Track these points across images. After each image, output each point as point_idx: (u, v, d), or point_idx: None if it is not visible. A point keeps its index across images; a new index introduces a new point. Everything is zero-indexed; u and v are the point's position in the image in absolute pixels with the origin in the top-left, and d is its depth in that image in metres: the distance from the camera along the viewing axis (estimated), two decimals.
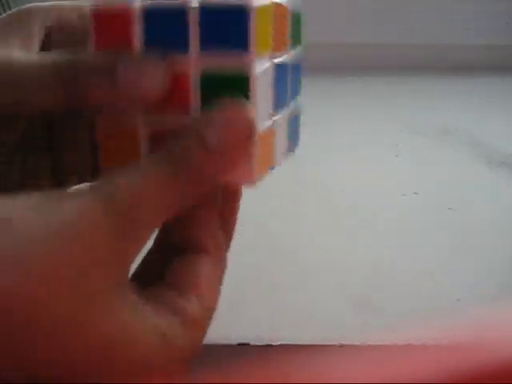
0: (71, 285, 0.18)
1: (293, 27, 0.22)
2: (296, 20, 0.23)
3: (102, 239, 0.19)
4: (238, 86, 0.19)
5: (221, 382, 0.18)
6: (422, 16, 0.76)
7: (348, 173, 0.56)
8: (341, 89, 0.73)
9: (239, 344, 0.38)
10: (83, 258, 0.18)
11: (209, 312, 0.23)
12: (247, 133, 0.19)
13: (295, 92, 0.23)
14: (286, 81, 0.22)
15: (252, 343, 0.38)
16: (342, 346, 0.37)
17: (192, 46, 0.19)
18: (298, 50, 0.23)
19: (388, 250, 0.45)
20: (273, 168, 0.21)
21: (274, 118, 0.21)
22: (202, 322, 0.22)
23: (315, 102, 0.71)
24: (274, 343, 0.38)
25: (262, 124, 0.19)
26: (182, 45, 0.19)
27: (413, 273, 0.43)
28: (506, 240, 0.46)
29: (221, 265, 0.24)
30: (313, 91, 0.73)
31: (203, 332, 0.22)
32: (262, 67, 0.19)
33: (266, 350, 0.38)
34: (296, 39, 0.23)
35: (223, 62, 0.19)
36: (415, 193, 0.52)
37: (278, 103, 0.21)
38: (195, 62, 0.19)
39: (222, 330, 0.40)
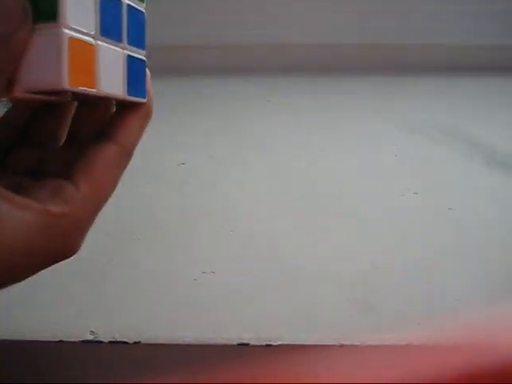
0: None
1: None
2: None
3: None
4: None
5: (221, 382, 0.19)
6: (422, 16, 0.76)
7: (347, 173, 0.56)
8: (341, 89, 0.73)
9: (239, 344, 0.38)
10: None
11: (97, 198, 0.23)
12: (19, 17, 0.20)
13: (136, 41, 0.25)
14: (118, 16, 0.24)
15: (252, 343, 0.38)
16: (342, 345, 0.37)
17: None
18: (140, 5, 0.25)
19: (387, 250, 0.45)
20: (95, 90, 0.22)
21: (98, 41, 0.23)
22: (85, 205, 0.23)
23: (315, 102, 0.72)
24: (273, 343, 0.38)
25: (76, 32, 0.21)
26: None
27: (412, 273, 0.43)
28: (506, 240, 0.46)
29: (125, 157, 0.24)
30: (312, 91, 0.73)
31: (88, 214, 0.23)
32: None
33: (266, 350, 0.38)
34: None
35: None
36: (415, 193, 0.52)
37: (104, 30, 0.23)
38: None
39: (222, 330, 0.40)
